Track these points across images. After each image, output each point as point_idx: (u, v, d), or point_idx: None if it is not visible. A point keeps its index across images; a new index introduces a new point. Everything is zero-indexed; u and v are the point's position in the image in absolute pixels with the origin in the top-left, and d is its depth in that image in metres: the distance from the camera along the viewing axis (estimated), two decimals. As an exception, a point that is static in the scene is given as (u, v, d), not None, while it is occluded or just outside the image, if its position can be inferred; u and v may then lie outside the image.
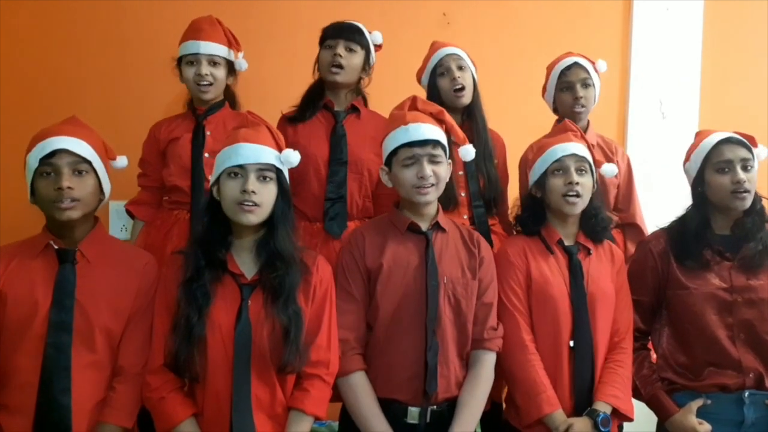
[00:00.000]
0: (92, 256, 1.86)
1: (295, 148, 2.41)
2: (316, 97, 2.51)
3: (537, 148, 2.18)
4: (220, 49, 2.50)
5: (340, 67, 2.43)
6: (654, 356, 2.21)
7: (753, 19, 3.36)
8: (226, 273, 1.84)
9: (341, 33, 2.46)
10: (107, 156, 1.94)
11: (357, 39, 2.47)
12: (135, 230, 2.58)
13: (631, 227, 2.70)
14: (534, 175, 2.14)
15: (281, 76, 3.05)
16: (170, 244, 2.43)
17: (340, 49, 2.43)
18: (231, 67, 2.56)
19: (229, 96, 2.61)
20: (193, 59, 2.47)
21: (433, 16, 3.20)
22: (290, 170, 2.45)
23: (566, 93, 2.63)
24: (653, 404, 2.14)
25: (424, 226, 2.00)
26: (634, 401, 2.10)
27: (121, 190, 2.54)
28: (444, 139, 1.99)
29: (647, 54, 3.28)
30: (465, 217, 2.48)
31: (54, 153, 1.79)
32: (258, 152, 1.83)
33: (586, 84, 2.62)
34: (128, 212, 2.58)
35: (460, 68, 2.53)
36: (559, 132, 2.20)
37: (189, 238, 2.36)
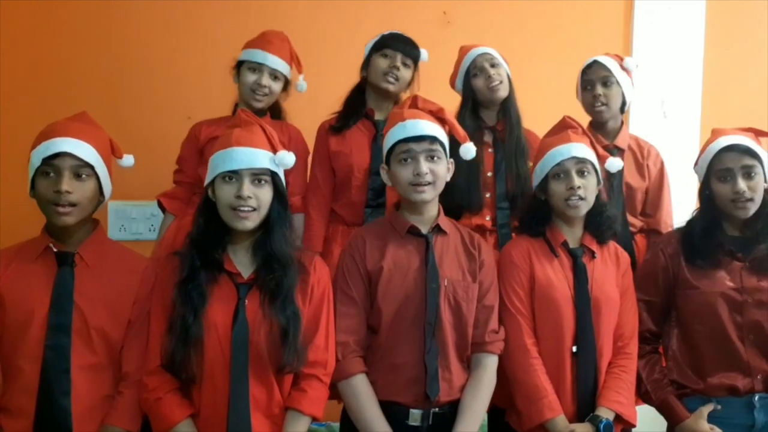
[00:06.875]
0: (91, 260, 1.85)
1: (337, 157, 2.48)
2: (359, 105, 2.55)
3: (537, 150, 2.15)
4: (284, 66, 2.53)
5: (397, 79, 2.47)
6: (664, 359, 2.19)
7: (755, 18, 3.36)
8: (222, 273, 1.82)
9: (402, 46, 2.49)
10: (114, 154, 1.93)
11: (413, 54, 2.51)
12: (165, 224, 2.55)
13: (655, 234, 2.55)
14: (536, 179, 2.12)
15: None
16: None
17: (398, 61, 2.47)
18: (286, 84, 2.59)
19: (276, 108, 2.62)
20: (256, 67, 2.49)
21: (434, 15, 3.19)
22: (333, 177, 2.45)
23: (587, 92, 2.58)
24: (664, 409, 2.11)
25: (424, 228, 1.98)
26: (644, 405, 2.08)
27: (121, 189, 2.51)
28: (443, 137, 1.97)
29: (649, 53, 3.27)
30: (487, 218, 2.47)
31: (57, 154, 1.77)
32: (252, 157, 1.80)
33: (607, 82, 2.53)
34: (159, 204, 2.57)
35: (493, 66, 2.51)
36: (557, 130, 2.14)
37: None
